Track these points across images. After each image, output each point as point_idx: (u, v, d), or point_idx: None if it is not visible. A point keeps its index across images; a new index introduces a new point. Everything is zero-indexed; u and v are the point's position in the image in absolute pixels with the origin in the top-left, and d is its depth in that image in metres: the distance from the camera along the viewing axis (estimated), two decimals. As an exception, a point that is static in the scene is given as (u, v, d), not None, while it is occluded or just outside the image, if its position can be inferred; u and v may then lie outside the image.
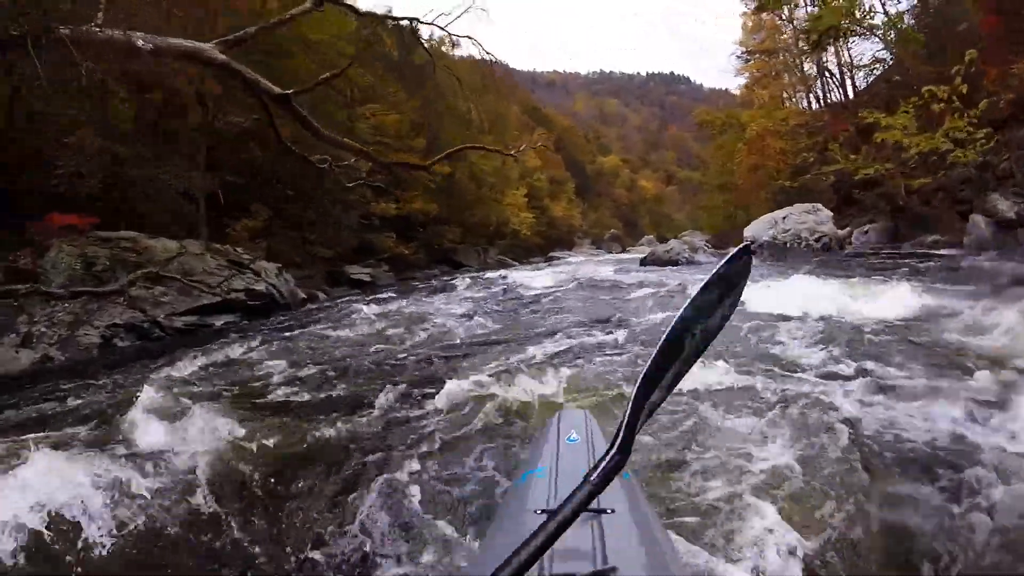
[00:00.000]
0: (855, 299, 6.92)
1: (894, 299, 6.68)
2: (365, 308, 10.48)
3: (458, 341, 7.17)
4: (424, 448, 3.43)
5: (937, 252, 13.78)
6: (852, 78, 29.83)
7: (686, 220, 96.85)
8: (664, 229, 73.81)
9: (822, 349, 5.01)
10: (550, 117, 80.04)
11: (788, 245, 18.21)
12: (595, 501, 1.12)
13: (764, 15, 33.77)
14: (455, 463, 3.27)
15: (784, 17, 32.20)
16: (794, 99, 37.39)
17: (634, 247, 53.25)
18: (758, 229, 19.44)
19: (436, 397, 4.26)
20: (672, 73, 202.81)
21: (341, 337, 7.85)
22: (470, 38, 23.38)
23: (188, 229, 14.45)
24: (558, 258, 38.25)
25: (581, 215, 64.77)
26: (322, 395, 4.82)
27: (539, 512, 1.41)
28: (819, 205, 19.79)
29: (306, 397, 4.78)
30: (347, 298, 15.26)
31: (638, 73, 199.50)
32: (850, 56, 29.55)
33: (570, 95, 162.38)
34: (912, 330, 5.49)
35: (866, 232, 18.70)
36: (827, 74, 32.05)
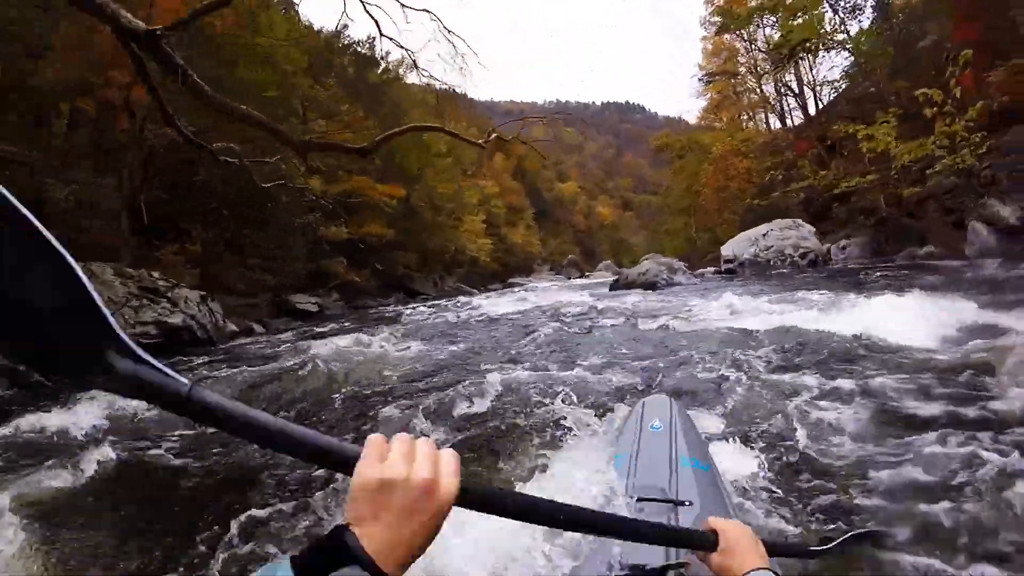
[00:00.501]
0: (932, 323, 5.60)
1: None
2: (300, 344, 9.05)
3: (394, 388, 5.68)
4: None
5: (935, 263, 12.98)
6: (816, 95, 29.48)
7: (644, 244, 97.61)
8: (621, 254, 73.62)
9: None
10: (508, 143, 79.03)
11: (771, 262, 17.18)
12: (673, 492, 1.46)
13: (726, 36, 33.50)
14: None
15: (746, 38, 31.84)
16: (755, 120, 37.19)
17: (593, 272, 52.46)
18: (737, 247, 18.34)
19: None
20: (627, 102, 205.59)
21: (255, 381, 6.36)
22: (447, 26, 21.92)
23: (114, 253, 12.76)
24: (518, 285, 36.92)
25: (540, 241, 63.77)
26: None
27: (637, 500, 1.52)
28: (799, 221, 18.79)
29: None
30: (288, 331, 13.62)
31: (593, 102, 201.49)
32: (812, 75, 29.33)
33: (526, 126, 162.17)
34: None
35: (844, 247, 17.80)
36: (789, 93, 31.74)
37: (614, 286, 18.64)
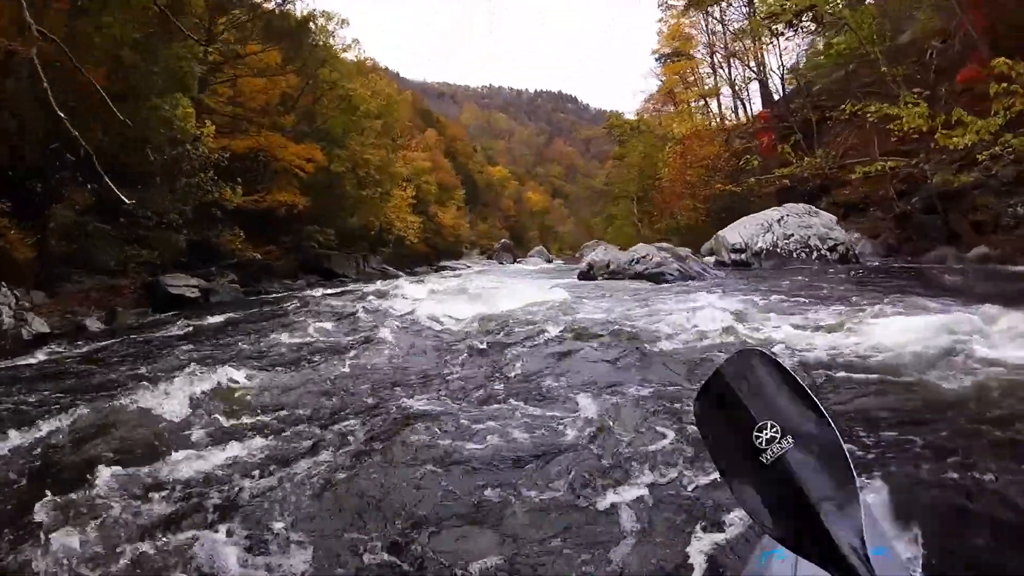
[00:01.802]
0: None
1: None
2: (114, 360, 5.58)
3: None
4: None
5: (1001, 268, 10.37)
6: (782, 81, 26.99)
7: (573, 233, 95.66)
8: (549, 242, 71.19)
9: None
10: (441, 121, 75.19)
11: (795, 254, 14.21)
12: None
13: (685, 20, 30.97)
14: None
15: (717, 16, 29.17)
16: (708, 107, 34.78)
17: (525, 258, 49.40)
18: (748, 234, 14.99)
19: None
20: (560, 92, 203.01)
21: None
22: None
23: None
24: (449, 268, 33.39)
25: (469, 225, 60.17)
26: None
27: None
28: (813, 207, 15.81)
29: None
30: (135, 331, 9.63)
31: (526, 89, 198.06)
32: (781, 59, 26.98)
33: (458, 105, 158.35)
34: None
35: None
36: (752, 78, 29.27)
37: (585, 275, 15.25)
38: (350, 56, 28.68)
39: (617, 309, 7.86)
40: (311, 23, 23.59)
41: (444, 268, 33.71)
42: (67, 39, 9.15)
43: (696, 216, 25.04)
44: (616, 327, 6.10)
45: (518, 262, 45.61)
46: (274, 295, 16.76)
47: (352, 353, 5.75)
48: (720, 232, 16.12)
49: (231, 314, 11.29)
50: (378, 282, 20.69)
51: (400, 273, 28.91)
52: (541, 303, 8.75)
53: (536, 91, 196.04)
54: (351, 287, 19.33)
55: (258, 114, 20.80)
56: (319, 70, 24.17)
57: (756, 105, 29.59)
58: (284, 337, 7.22)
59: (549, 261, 46.52)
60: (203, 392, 4.18)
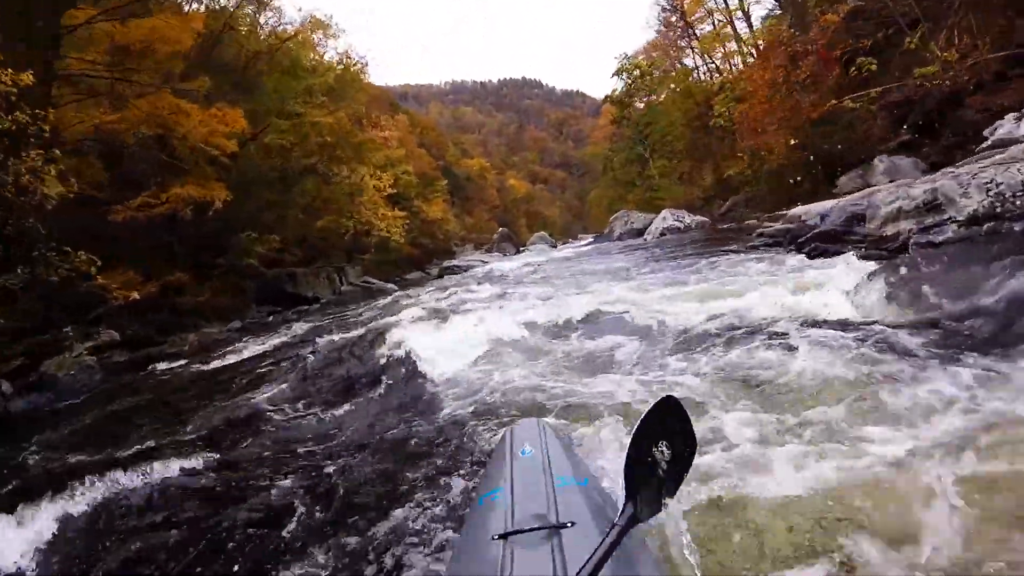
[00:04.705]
0: None
1: None
2: None
3: None
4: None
5: None
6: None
7: (561, 217, 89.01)
8: (536, 228, 64.01)
9: None
10: (411, 114, 67.23)
11: None
12: (554, 515, 1.31)
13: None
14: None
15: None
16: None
17: (527, 247, 42.34)
18: (951, 186, 7.31)
19: None
20: (524, 78, 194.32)
21: None
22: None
23: None
24: (457, 270, 25.39)
25: (456, 219, 52.31)
26: None
27: (496, 537, 1.34)
28: None
29: None
30: None
31: (490, 80, 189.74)
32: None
33: (423, 106, 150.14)
34: None
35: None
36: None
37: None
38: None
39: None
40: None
41: (450, 270, 25.60)
42: None
43: (779, 159, 17.61)
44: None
45: (522, 251, 38.01)
46: (168, 363, 9.20)
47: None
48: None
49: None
50: (359, 306, 13.23)
51: (388, 285, 21.29)
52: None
53: (500, 80, 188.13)
54: (313, 321, 11.90)
55: (151, 66, 13.07)
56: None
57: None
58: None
59: (553, 246, 39.73)
60: None
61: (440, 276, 24.24)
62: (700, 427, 2.89)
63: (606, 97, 39.01)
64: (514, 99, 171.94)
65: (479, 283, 13.86)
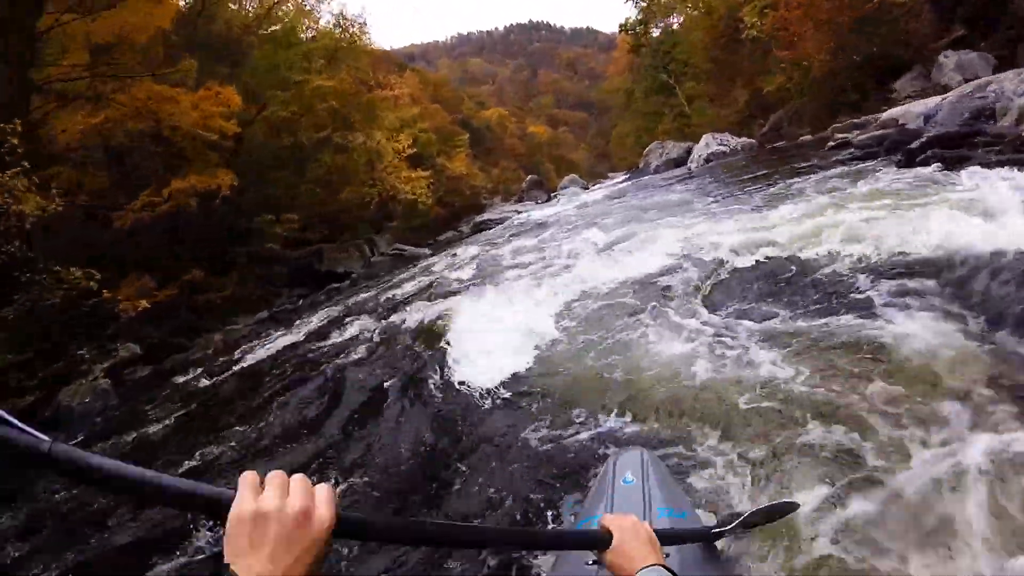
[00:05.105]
0: None
1: None
2: None
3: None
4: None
5: None
6: None
7: (587, 158, 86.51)
8: (564, 171, 61.90)
9: None
10: (420, 71, 65.23)
11: None
12: None
13: None
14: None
15: None
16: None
17: (558, 192, 40.28)
18: None
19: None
20: (531, 21, 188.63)
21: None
22: None
23: None
24: (491, 224, 23.80)
25: (482, 173, 50.71)
26: None
27: (592, 563, 1.35)
28: None
29: None
30: None
31: (496, 28, 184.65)
32: None
33: (431, 64, 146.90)
34: None
35: None
36: None
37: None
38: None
39: None
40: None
41: (483, 226, 24.00)
42: None
43: (822, 67, 15.83)
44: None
45: (555, 196, 36.45)
46: (186, 374, 8.33)
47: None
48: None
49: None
50: (396, 275, 12.30)
51: (421, 250, 20.22)
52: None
53: (507, 27, 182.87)
54: (346, 299, 11.00)
55: (131, 55, 11.95)
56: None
57: None
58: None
59: (585, 188, 37.98)
60: None
61: (474, 232, 22.89)
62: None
63: (620, 26, 36.83)
64: (523, 44, 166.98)
65: (516, 236, 12.72)
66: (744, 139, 19.44)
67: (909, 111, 6.86)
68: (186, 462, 4.37)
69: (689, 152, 20.87)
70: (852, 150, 7.95)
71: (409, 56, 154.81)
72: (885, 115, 7.94)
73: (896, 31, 14.16)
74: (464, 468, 3.27)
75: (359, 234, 20.99)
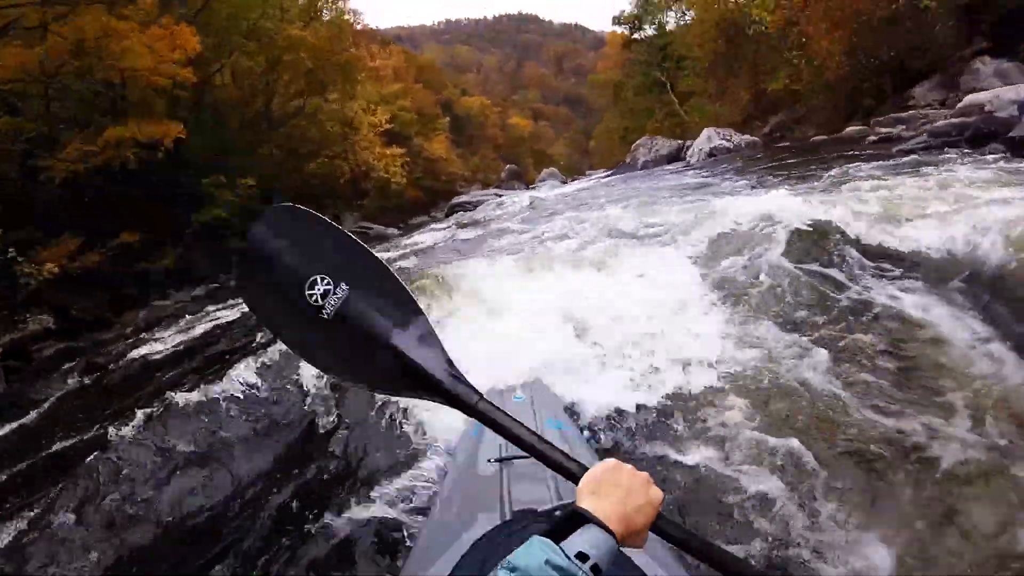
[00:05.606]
0: None
1: None
2: None
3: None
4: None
5: None
6: None
7: (567, 154, 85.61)
8: (544, 165, 60.97)
9: None
10: (407, 52, 63.49)
11: None
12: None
13: None
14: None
15: None
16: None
17: (536, 184, 38.78)
18: None
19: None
20: (520, 13, 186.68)
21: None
22: None
23: None
24: (468, 206, 22.01)
25: (460, 159, 49.35)
26: None
27: (492, 461, 1.45)
28: None
29: None
30: None
31: (485, 17, 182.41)
32: None
33: (418, 48, 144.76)
34: None
35: None
36: None
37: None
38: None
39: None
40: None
41: (459, 208, 22.14)
42: None
43: (837, 69, 14.90)
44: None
45: (533, 188, 35.32)
46: (94, 355, 6.92)
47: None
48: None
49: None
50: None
51: (389, 230, 18.78)
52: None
53: (496, 16, 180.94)
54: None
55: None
56: None
57: None
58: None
59: (564, 182, 37.03)
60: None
61: (449, 215, 21.24)
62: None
63: (614, 19, 35.84)
64: (511, 34, 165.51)
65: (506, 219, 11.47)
66: (747, 136, 18.47)
67: (999, 96, 5.93)
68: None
69: (681, 149, 19.95)
70: (916, 141, 6.93)
71: (396, 38, 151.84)
72: (965, 101, 7.05)
73: (916, 36, 13.34)
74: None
75: (324, 209, 19.48)
